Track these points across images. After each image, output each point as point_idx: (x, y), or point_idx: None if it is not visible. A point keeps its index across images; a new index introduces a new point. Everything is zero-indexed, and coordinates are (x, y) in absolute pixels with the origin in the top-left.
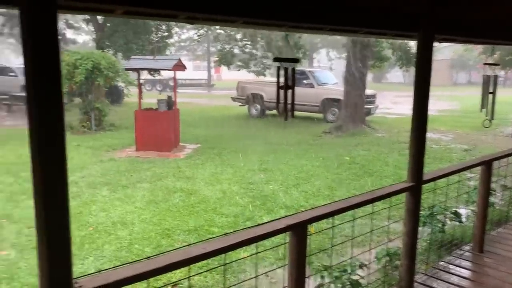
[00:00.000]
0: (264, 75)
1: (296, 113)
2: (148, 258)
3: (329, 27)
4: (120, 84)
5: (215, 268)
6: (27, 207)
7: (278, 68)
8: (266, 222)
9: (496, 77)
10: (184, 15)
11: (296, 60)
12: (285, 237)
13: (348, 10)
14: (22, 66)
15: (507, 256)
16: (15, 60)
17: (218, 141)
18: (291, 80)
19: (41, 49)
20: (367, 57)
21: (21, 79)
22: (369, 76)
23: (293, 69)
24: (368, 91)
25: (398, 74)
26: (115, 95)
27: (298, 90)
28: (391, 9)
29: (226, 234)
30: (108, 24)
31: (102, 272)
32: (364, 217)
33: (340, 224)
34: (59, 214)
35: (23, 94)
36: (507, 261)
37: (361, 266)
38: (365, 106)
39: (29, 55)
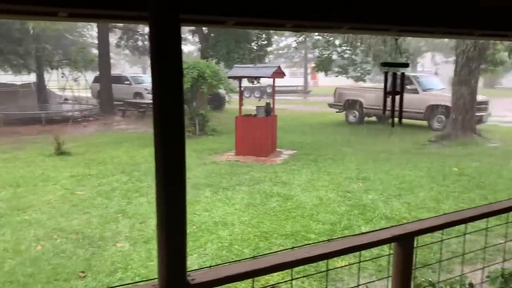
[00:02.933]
0: (364, 80)
1: (399, 120)
2: (254, 257)
3: (442, 29)
4: (222, 91)
5: (312, 274)
6: (139, 204)
7: (386, 73)
8: (370, 231)
9: None
10: (291, 23)
11: (405, 65)
12: (383, 248)
13: (460, 10)
14: (135, 75)
15: None
16: (130, 70)
17: (314, 148)
18: (399, 85)
19: (166, 58)
20: (479, 60)
21: (134, 87)
22: (480, 82)
23: (403, 74)
24: (480, 97)
25: None
26: (217, 102)
27: None
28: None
29: (329, 240)
30: (212, 35)
31: (212, 267)
32: (473, 233)
33: (447, 238)
34: (177, 211)
35: (135, 100)
36: None
37: (471, 285)
38: (476, 114)
39: (156, 64)
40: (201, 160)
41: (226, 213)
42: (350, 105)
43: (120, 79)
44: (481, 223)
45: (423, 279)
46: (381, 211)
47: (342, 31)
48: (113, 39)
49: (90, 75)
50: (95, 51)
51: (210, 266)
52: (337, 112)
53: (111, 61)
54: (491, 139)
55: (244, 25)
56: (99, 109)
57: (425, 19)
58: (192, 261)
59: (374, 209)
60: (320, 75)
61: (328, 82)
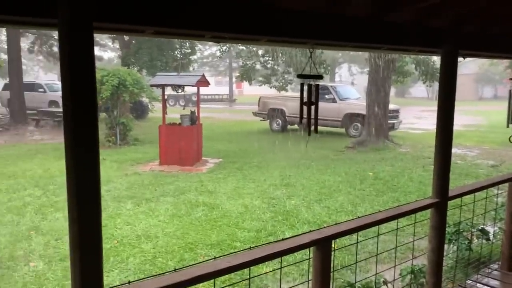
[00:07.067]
0: (286, 90)
1: (318, 128)
2: (175, 270)
3: (351, 44)
4: (145, 99)
5: (237, 282)
6: (54, 220)
7: (302, 84)
8: (290, 237)
9: None
10: (210, 35)
11: (319, 77)
12: (306, 252)
13: (368, 26)
14: (50, 82)
15: None
16: (44, 77)
17: (239, 156)
18: (314, 95)
19: (78, 67)
20: (390, 71)
21: (49, 95)
22: (392, 91)
23: (317, 85)
24: (392, 106)
25: (421, 88)
26: (140, 110)
27: (320, 105)
28: (413, 25)
29: (250, 248)
30: (133, 42)
31: (131, 283)
32: (387, 234)
33: (363, 240)
34: (91, 227)
35: (51, 109)
36: None
37: (385, 283)
38: (389, 121)
39: (66, 73)
40: (123, 171)
41: (149, 226)
42: (274, 113)
43: (33, 87)
44: (393, 224)
45: (342, 280)
46: (304, 216)
47: (262, 43)
48: (25, 43)
49: None
50: (4, 56)
51: (129, 282)
52: (261, 120)
53: (23, 67)
54: (402, 145)
55: (163, 35)
56: (9, 118)
57: (338, 33)
58: (114, 277)
59: (297, 215)
60: (245, 84)
61: (252, 91)
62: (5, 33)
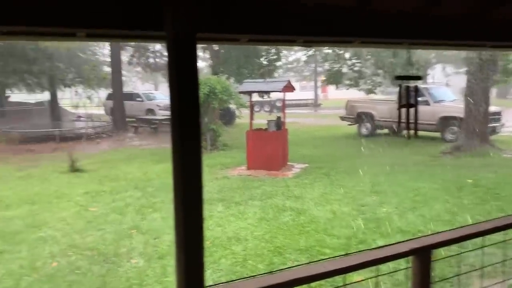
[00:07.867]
0: (375, 93)
1: (412, 132)
2: (271, 272)
3: (450, 42)
4: (232, 106)
5: None
6: (153, 220)
7: (400, 86)
8: (386, 245)
9: None
10: (302, 39)
11: (418, 78)
12: (399, 262)
13: (468, 23)
14: (147, 92)
15: None
16: (141, 87)
17: (326, 161)
18: (413, 98)
19: (184, 77)
20: (491, 71)
21: (146, 104)
22: (493, 92)
23: (416, 87)
24: (493, 108)
25: None
26: (228, 117)
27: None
28: None
29: (346, 254)
30: (222, 51)
31: (229, 282)
32: (490, 246)
33: (465, 252)
34: (194, 228)
35: (147, 117)
36: None
37: None
38: (489, 124)
39: (174, 82)
40: (213, 175)
41: (239, 228)
42: (362, 117)
43: (132, 96)
44: (498, 236)
45: None
46: (396, 225)
47: (355, 45)
48: (124, 56)
49: (103, 93)
50: (107, 69)
51: (228, 281)
52: (349, 125)
53: (123, 78)
54: (505, 150)
55: (257, 42)
56: (112, 126)
57: (436, 32)
58: (207, 277)
59: (389, 223)
60: (331, 88)
61: (338, 95)
62: (108, 48)
